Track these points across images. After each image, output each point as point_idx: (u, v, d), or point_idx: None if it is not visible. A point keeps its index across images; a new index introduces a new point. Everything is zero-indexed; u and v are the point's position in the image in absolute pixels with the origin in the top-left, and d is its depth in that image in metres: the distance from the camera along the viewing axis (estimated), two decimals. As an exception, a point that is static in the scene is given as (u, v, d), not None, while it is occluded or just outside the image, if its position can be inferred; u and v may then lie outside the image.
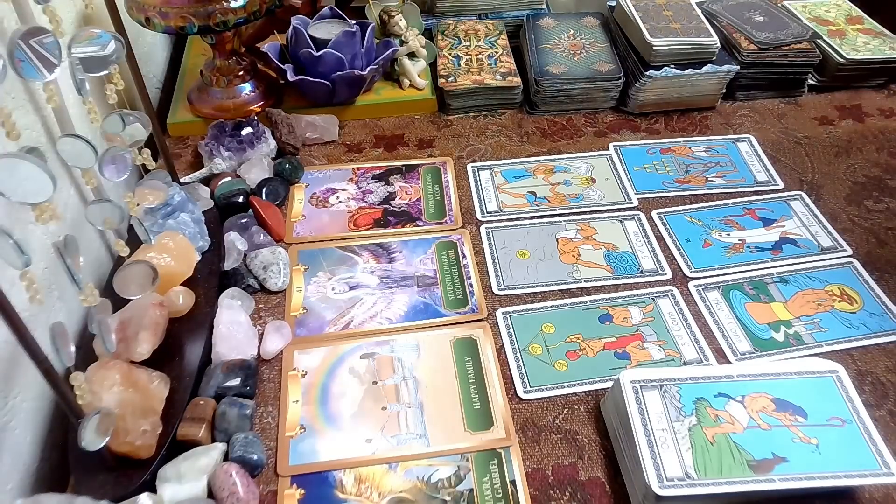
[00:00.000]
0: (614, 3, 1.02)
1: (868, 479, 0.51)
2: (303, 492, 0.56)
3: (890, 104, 0.97)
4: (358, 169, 0.86)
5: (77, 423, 0.48)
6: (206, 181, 0.82)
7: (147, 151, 0.63)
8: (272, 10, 0.83)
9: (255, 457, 0.56)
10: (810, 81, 0.98)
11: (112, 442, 0.51)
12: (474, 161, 0.88)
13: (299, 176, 0.84)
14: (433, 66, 0.98)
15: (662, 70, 0.91)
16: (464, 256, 0.75)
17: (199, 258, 0.70)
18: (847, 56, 0.96)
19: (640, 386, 0.55)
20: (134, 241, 0.66)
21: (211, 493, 0.54)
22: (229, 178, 0.80)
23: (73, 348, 0.46)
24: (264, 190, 0.80)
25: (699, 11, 0.98)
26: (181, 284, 0.66)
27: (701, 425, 0.54)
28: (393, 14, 0.93)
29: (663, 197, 0.83)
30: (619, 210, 0.81)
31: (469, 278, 0.72)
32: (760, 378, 0.57)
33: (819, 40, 0.98)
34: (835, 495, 0.55)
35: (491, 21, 1.05)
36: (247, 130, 0.84)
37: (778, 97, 0.98)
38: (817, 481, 0.50)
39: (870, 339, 0.67)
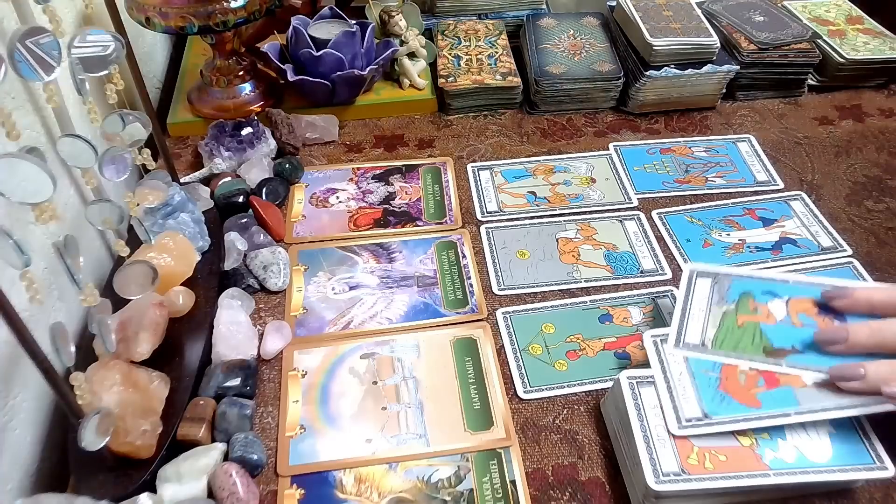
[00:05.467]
0: (614, 3, 1.02)
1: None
2: (303, 492, 0.56)
3: (890, 104, 0.97)
4: (358, 169, 0.86)
5: (77, 423, 0.48)
6: (206, 181, 0.82)
7: (147, 151, 0.63)
8: (272, 10, 0.83)
9: (255, 457, 0.56)
10: (810, 81, 0.98)
11: (112, 442, 0.51)
12: (474, 161, 0.88)
13: (299, 176, 0.84)
14: (433, 66, 0.98)
15: (662, 70, 0.91)
16: (464, 256, 0.75)
17: (199, 258, 0.70)
18: (847, 56, 0.95)
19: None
20: (134, 241, 0.66)
21: (211, 493, 0.54)
22: (229, 178, 0.80)
23: (73, 348, 0.46)
24: (264, 190, 0.80)
25: (699, 11, 0.98)
26: (181, 284, 0.66)
27: (737, 313, 0.56)
28: (393, 14, 0.93)
29: (663, 197, 0.83)
30: (619, 210, 0.81)
31: (469, 278, 0.72)
32: (817, 286, 0.59)
33: (819, 40, 0.97)
34: (834, 494, 0.55)
35: (491, 21, 1.05)
36: (247, 130, 0.84)
37: (778, 97, 0.98)
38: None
39: (870, 339, 0.67)
